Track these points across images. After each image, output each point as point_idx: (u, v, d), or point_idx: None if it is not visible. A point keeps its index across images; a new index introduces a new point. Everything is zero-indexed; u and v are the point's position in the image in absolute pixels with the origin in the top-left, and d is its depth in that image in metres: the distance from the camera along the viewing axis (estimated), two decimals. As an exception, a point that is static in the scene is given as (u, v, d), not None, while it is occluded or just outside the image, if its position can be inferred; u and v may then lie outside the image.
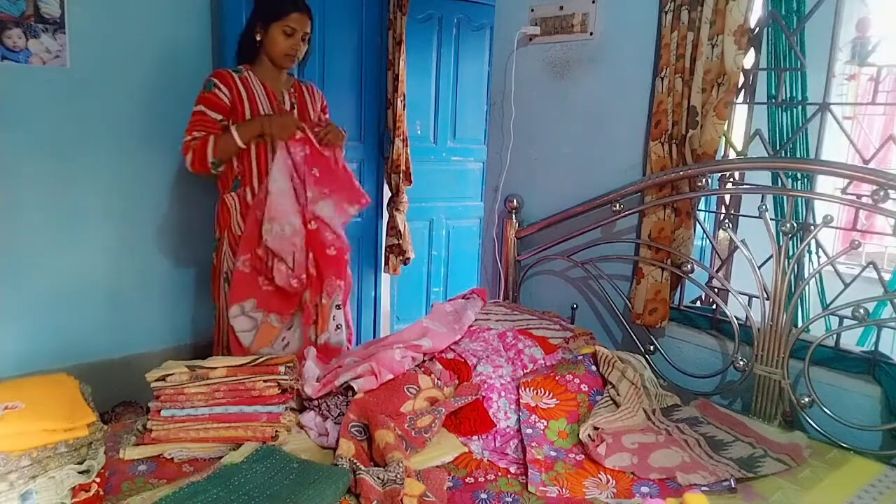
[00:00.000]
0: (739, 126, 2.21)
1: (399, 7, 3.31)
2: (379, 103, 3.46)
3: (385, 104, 3.44)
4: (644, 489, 1.54)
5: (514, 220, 2.69)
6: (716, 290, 2.22)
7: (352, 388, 1.74)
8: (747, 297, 2.03)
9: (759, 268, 1.96)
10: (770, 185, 2.12)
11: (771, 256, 1.95)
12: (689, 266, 2.17)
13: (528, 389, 1.82)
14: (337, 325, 2.42)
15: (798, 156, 2.13)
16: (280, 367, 1.68)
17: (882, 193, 1.75)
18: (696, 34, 2.07)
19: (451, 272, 3.99)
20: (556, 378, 1.87)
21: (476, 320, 2.26)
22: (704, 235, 2.38)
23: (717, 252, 2.30)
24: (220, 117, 2.26)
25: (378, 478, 1.41)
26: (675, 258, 2.21)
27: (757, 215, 1.99)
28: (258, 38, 2.30)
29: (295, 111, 2.41)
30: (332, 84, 3.28)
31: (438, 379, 1.85)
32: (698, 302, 2.45)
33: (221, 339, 2.40)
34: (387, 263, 3.57)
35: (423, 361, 1.97)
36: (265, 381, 1.65)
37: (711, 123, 2.05)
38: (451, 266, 3.99)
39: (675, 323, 2.29)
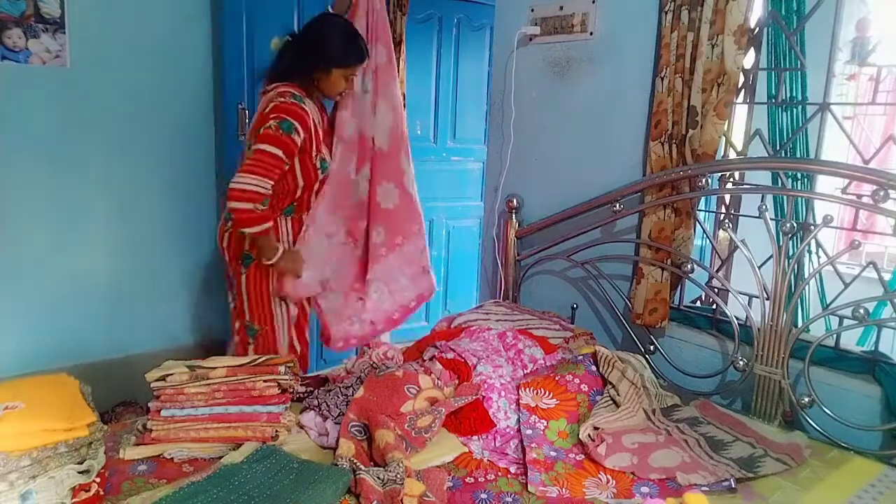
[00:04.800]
0: (739, 126, 2.21)
1: (399, 7, 3.30)
2: (379, 103, 3.46)
3: (385, 104, 3.44)
4: (644, 489, 1.54)
5: (514, 220, 2.69)
6: (716, 290, 2.22)
7: (353, 387, 1.74)
8: (747, 297, 2.03)
9: (759, 268, 1.96)
10: (770, 185, 2.12)
11: (771, 256, 1.95)
12: (689, 266, 2.17)
13: (527, 390, 1.82)
14: None
15: (798, 156, 2.13)
16: (280, 367, 1.68)
17: (882, 193, 1.75)
18: (696, 34, 2.07)
19: (451, 272, 3.99)
20: (556, 378, 1.87)
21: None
22: (704, 235, 2.38)
23: (717, 252, 2.30)
24: (287, 163, 2.09)
25: (378, 478, 1.41)
26: (675, 258, 2.21)
27: (757, 215, 1.99)
28: (314, 75, 2.17)
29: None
30: (332, 84, 3.28)
31: (438, 379, 1.85)
32: (698, 302, 2.45)
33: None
34: (387, 263, 3.57)
35: (423, 361, 1.98)
36: (265, 381, 1.65)
37: (711, 123, 2.05)
38: (451, 266, 3.99)
39: (675, 323, 2.29)
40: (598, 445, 1.66)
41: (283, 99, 2.07)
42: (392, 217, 2.44)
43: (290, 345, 2.31)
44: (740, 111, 2.20)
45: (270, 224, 2.08)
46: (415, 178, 2.50)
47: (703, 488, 1.50)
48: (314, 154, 2.17)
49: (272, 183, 2.03)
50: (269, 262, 2.14)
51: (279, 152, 2.03)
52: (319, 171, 2.21)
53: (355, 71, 2.22)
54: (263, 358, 1.72)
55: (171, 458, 1.54)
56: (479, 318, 2.29)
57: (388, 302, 2.49)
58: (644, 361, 2.03)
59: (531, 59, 2.66)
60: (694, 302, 2.44)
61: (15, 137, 2.60)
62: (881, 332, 1.88)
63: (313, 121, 2.15)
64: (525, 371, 1.98)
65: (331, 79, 2.17)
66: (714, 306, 2.19)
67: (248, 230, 2.04)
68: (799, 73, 2.08)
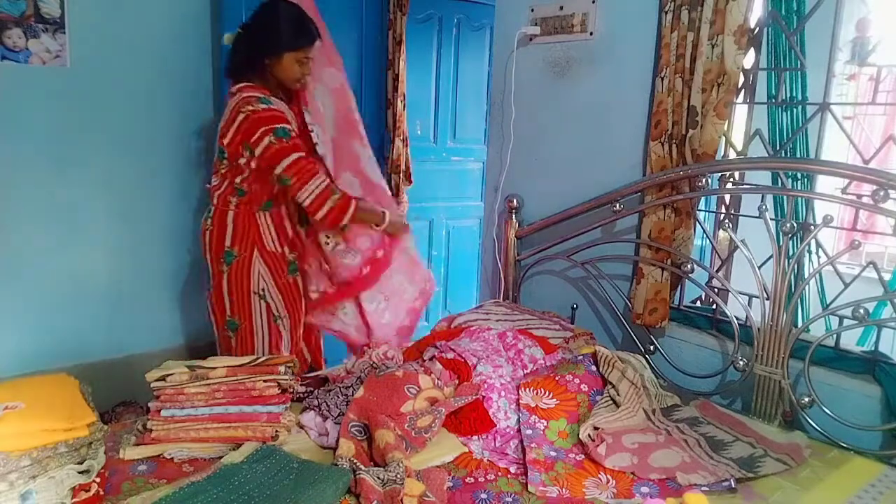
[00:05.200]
0: (739, 126, 2.21)
1: (399, 7, 3.31)
2: (379, 103, 3.46)
3: (385, 104, 3.44)
4: (644, 489, 1.54)
5: (514, 220, 2.69)
6: (716, 290, 2.22)
7: (353, 387, 1.74)
8: (747, 297, 2.03)
9: (759, 268, 1.96)
10: (770, 185, 2.12)
11: (771, 256, 1.95)
12: (689, 266, 2.17)
13: (527, 390, 1.82)
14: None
15: (798, 156, 2.13)
16: (280, 367, 1.68)
17: (882, 193, 1.76)
18: (696, 34, 2.07)
19: (451, 272, 3.99)
20: (556, 378, 1.87)
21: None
22: (704, 235, 2.38)
23: (717, 252, 2.30)
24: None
25: (378, 478, 1.41)
26: (675, 258, 2.21)
27: (757, 215, 1.99)
28: (266, 62, 2.18)
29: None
30: (331, 84, 3.28)
31: (438, 379, 1.85)
32: (698, 302, 2.45)
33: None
34: (387, 263, 3.57)
35: (423, 361, 1.97)
36: (265, 381, 1.65)
37: (711, 123, 2.05)
38: (451, 266, 3.99)
39: (675, 323, 2.29)
40: (598, 445, 1.66)
41: (251, 107, 2.08)
42: None
43: (273, 343, 2.30)
44: (740, 111, 2.20)
45: (355, 202, 2.17)
46: (374, 161, 2.43)
47: (703, 488, 1.50)
48: None
49: (321, 173, 2.13)
50: (381, 228, 2.29)
51: (298, 155, 2.10)
52: None
53: (308, 53, 2.19)
54: (263, 358, 1.72)
55: (171, 458, 1.54)
56: (479, 318, 2.29)
57: (388, 313, 2.39)
58: (644, 361, 2.03)
59: (531, 59, 2.66)
60: (694, 302, 2.44)
61: (15, 137, 2.60)
62: (881, 332, 1.88)
63: (286, 113, 2.18)
64: (525, 371, 1.98)
65: (283, 64, 2.17)
66: (714, 306, 2.19)
67: (342, 223, 2.17)
68: (799, 73, 2.08)
